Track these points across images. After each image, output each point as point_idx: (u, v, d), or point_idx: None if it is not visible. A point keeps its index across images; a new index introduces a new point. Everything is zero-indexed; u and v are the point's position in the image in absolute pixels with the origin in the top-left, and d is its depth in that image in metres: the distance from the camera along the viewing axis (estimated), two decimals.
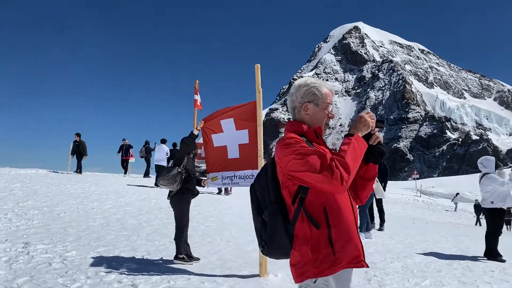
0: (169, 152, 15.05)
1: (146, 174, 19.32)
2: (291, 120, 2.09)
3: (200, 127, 5.79)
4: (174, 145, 15.24)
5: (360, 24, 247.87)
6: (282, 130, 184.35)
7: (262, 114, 5.30)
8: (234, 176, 5.52)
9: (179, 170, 5.41)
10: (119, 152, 19.56)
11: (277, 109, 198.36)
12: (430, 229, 12.09)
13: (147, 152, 18.89)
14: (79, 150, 17.25)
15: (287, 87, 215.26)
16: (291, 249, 1.87)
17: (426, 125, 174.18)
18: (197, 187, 5.78)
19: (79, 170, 17.29)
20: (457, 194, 32.81)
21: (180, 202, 5.52)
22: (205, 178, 5.84)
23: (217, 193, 15.37)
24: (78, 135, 17.59)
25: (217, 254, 6.15)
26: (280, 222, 1.86)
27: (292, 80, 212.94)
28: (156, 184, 14.89)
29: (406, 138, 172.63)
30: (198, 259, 5.58)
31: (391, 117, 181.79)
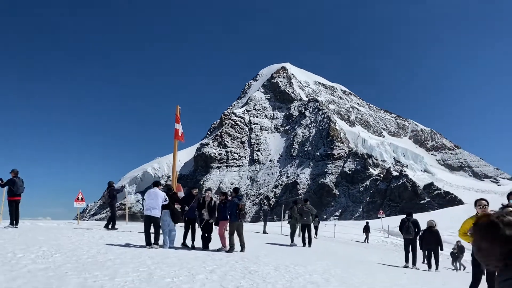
0: (167, 198, 10.86)
1: (111, 225, 14.54)
2: None
3: None
4: (190, 189, 11.47)
5: (287, 65, 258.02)
6: (214, 165, 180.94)
7: None
8: None
9: None
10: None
11: (208, 144, 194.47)
12: None
13: (110, 197, 14.58)
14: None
15: (218, 122, 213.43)
16: None
17: (350, 161, 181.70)
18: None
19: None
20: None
21: None
22: None
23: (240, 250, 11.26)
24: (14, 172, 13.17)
25: None
26: None
27: (223, 115, 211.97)
28: (147, 244, 10.46)
29: (332, 174, 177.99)
30: None
31: (318, 153, 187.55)
